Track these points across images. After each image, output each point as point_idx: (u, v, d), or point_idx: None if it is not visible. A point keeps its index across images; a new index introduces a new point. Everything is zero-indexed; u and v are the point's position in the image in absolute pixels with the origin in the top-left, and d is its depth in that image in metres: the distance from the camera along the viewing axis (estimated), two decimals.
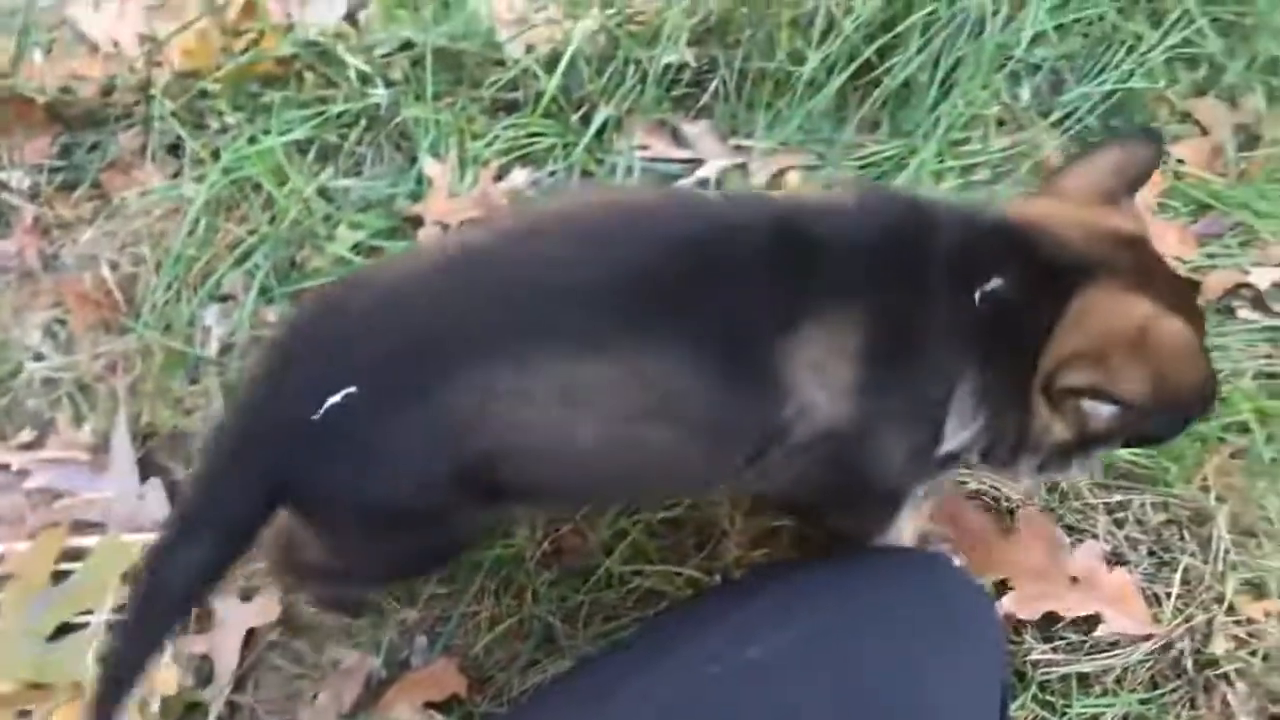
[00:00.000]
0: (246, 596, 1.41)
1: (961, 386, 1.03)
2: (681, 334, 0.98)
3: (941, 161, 1.76)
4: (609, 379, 0.98)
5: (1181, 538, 1.41)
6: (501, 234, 1.08)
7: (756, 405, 1.00)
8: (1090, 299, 0.99)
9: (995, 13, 1.77)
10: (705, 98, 1.83)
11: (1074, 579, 1.34)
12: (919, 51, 1.78)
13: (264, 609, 1.39)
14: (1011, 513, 1.41)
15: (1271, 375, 1.54)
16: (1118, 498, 1.44)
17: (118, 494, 1.48)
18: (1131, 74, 1.80)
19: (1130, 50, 1.82)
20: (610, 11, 1.80)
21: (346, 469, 0.99)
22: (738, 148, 1.81)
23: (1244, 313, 1.60)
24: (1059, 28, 1.82)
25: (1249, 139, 1.78)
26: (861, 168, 1.77)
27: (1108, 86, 1.79)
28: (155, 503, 1.48)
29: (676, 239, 1.02)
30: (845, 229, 1.04)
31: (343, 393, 0.96)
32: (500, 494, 1.04)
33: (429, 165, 1.73)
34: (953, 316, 1.01)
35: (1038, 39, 1.81)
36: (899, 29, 1.77)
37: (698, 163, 1.79)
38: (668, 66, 1.77)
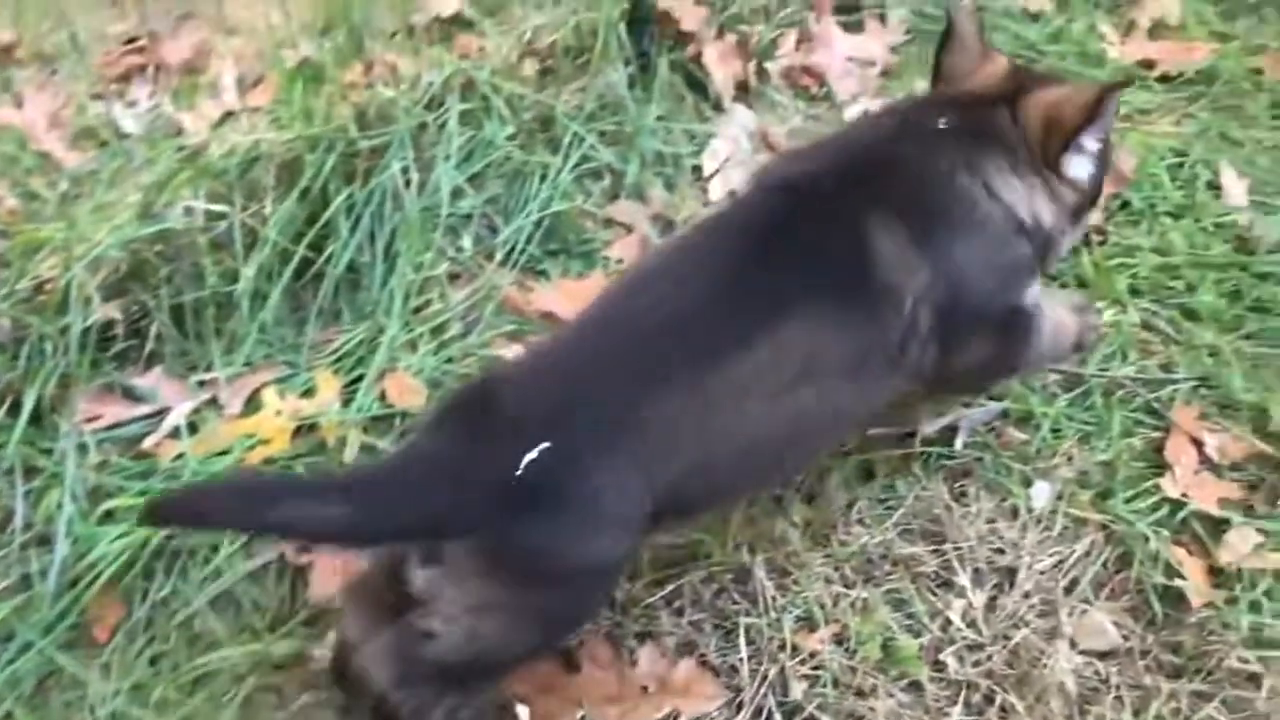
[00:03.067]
0: None
1: (992, 178, 1.34)
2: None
3: (411, 330, 1.77)
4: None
5: (734, 601, 1.48)
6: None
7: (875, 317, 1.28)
8: (1028, 103, 1.37)
9: (409, 183, 1.83)
10: (149, 345, 1.71)
11: (645, 688, 1.37)
12: (351, 235, 1.79)
13: None
14: (576, 648, 1.41)
15: None
16: (670, 588, 1.49)
17: None
18: (551, 198, 1.93)
19: (543, 178, 1.95)
20: (3, 292, 1.62)
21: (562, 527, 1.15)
22: (202, 383, 1.71)
23: None
24: (474, 177, 1.92)
25: (666, 225, 1.97)
26: (336, 360, 1.74)
27: (534, 216, 1.91)
28: None
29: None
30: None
31: (538, 449, 1.13)
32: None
33: None
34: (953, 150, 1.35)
35: (458, 193, 1.89)
36: (324, 219, 1.77)
37: (162, 413, 1.66)
38: (88, 329, 1.62)
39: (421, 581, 1.16)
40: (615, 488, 1.16)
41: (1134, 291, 1.81)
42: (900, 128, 1.40)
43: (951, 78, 1.44)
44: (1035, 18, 2.30)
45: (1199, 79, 2.16)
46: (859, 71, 2.23)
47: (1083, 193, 1.41)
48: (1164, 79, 2.17)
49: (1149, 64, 2.19)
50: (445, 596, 1.17)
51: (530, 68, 2.10)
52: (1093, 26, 2.26)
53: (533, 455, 1.12)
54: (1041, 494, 1.57)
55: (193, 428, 1.64)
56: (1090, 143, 1.37)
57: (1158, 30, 2.26)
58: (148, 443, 1.62)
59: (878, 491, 1.59)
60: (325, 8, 2.19)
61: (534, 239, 1.90)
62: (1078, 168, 1.38)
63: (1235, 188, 1.96)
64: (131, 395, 1.67)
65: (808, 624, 1.46)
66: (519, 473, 1.12)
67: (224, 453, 1.61)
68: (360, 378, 1.71)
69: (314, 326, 1.78)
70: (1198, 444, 1.59)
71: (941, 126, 1.37)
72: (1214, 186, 1.95)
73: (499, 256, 1.88)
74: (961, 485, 1.59)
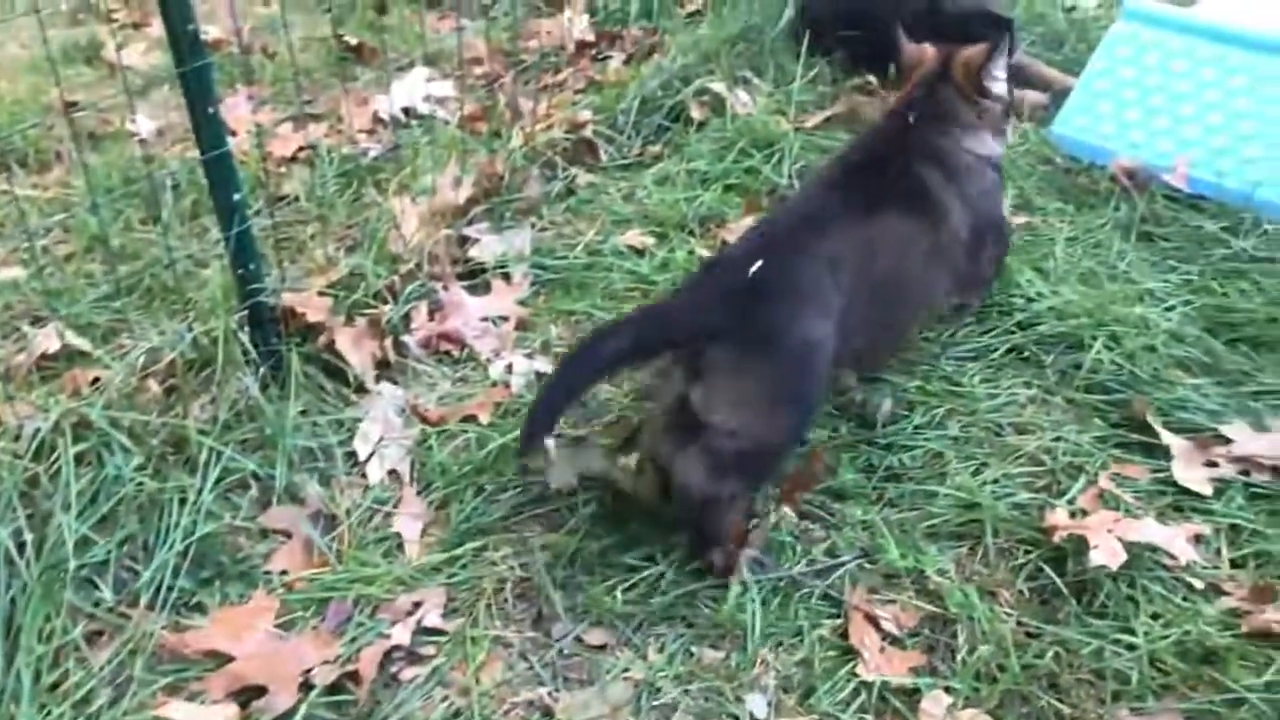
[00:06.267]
0: None
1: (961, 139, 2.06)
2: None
3: (48, 713, 1.55)
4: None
5: None
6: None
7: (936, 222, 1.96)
8: (955, 64, 2.07)
9: (23, 545, 1.66)
10: None
11: None
12: None
13: None
14: None
15: None
16: None
17: None
18: (195, 523, 1.80)
19: (183, 503, 1.82)
20: None
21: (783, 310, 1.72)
22: None
23: (407, 672, 1.65)
24: (102, 520, 1.76)
25: (328, 521, 1.89)
26: None
27: (179, 546, 1.76)
28: None
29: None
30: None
31: (757, 264, 1.72)
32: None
33: None
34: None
35: (86, 542, 1.72)
36: None
37: None
38: None
39: (697, 396, 1.66)
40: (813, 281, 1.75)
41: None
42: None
43: (909, 70, 2.13)
44: (641, 253, 2.50)
45: None
46: (494, 329, 2.30)
47: (1003, 100, 2.08)
48: None
49: None
50: (717, 397, 1.66)
51: (153, 389, 1.99)
52: (692, 251, 2.48)
53: (755, 268, 1.71)
54: (757, 708, 1.58)
55: None
56: (997, 69, 2.05)
57: None
58: None
59: None
60: None
61: (182, 571, 1.75)
62: (995, 85, 2.05)
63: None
64: None
65: None
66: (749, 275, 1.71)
67: None
68: None
69: None
70: (875, 622, 1.67)
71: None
72: None
73: (145, 600, 1.71)
74: None
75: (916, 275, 1.95)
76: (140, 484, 1.82)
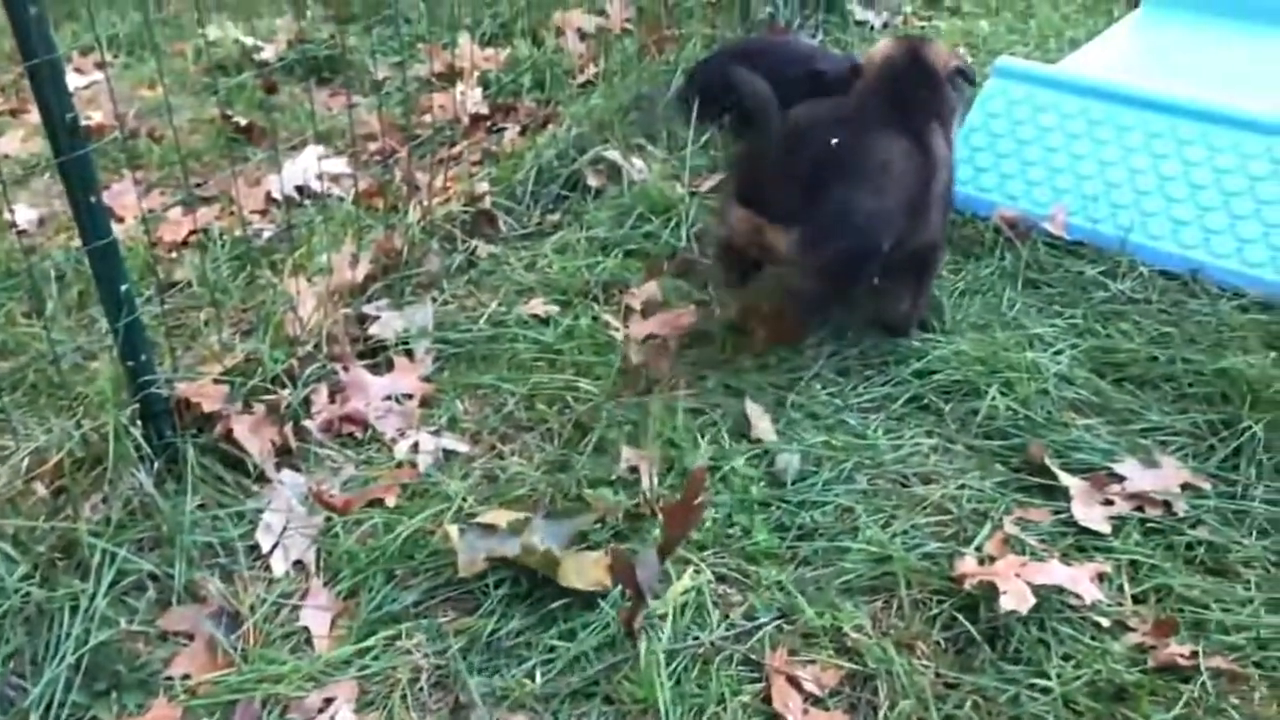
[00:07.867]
0: None
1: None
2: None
3: None
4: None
5: None
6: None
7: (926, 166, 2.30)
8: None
9: None
10: None
11: None
12: None
13: None
14: None
15: None
16: None
17: None
18: (88, 632, 1.71)
19: (75, 611, 1.73)
20: None
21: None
22: None
23: None
24: None
25: (232, 619, 1.81)
26: None
27: (70, 658, 1.68)
28: None
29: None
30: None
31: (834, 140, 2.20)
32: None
33: None
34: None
35: None
36: None
37: None
38: None
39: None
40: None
41: (700, 547, 1.92)
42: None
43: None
44: (545, 322, 2.50)
45: (693, 342, 2.44)
46: (399, 407, 2.26)
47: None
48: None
49: (651, 336, 2.44)
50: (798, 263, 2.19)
51: (40, 492, 1.91)
52: (596, 318, 2.49)
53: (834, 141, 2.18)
54: None
55: None
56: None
57: (650, 309, 2.53)
58: None
59: None
60: None
61: (75, 685, 1.66)
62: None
63: (762, 423, 2.18)
64: None
65: None
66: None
67: None
68: None
69: None
70: (796, 684, 1.67)
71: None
72: (737, 433, 2.17)
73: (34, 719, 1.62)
74: None
75: (913, 189, 2.27)
76: (26, 594, 1.73)
